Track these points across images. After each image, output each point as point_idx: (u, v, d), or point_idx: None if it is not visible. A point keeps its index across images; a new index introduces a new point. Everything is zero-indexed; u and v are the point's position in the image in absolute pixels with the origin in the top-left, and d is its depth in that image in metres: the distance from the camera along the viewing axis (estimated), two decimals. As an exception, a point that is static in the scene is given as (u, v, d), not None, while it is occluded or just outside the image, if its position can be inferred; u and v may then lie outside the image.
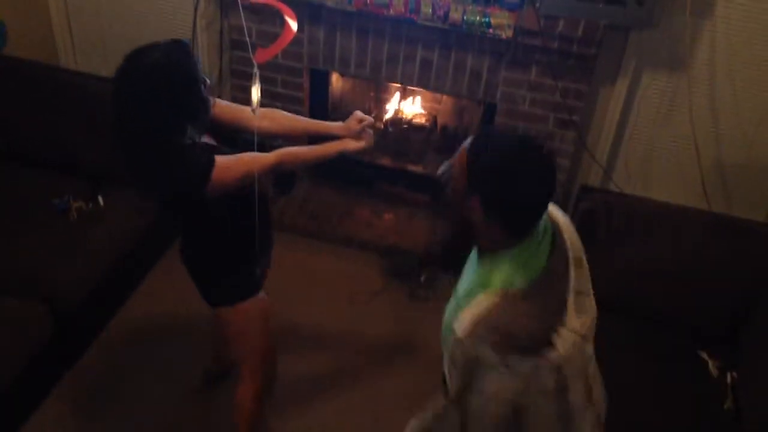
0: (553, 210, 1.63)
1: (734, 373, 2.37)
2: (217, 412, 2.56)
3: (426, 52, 3.01)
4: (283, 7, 2.53)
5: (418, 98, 3.63)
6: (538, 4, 2.67)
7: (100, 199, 2.82)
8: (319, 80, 3.38)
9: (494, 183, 1.40)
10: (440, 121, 3.65)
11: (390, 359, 2.85)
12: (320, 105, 3.46)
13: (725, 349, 2.46)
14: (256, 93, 2.46)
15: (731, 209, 3.07)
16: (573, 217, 2.67)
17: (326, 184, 3.64)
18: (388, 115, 3.64)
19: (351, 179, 3.63)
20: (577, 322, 1.46)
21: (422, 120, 3.63)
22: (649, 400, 2.29)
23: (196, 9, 3.25)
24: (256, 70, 2.49)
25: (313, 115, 3.42)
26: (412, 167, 3.60)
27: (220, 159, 1.79)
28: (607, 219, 2.57)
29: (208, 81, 1.85)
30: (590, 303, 1.53)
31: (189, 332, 2.88)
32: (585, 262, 1.58)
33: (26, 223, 2.66)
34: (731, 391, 2.33)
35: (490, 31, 2.77)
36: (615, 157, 3.17)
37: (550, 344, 1.41)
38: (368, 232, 3.40)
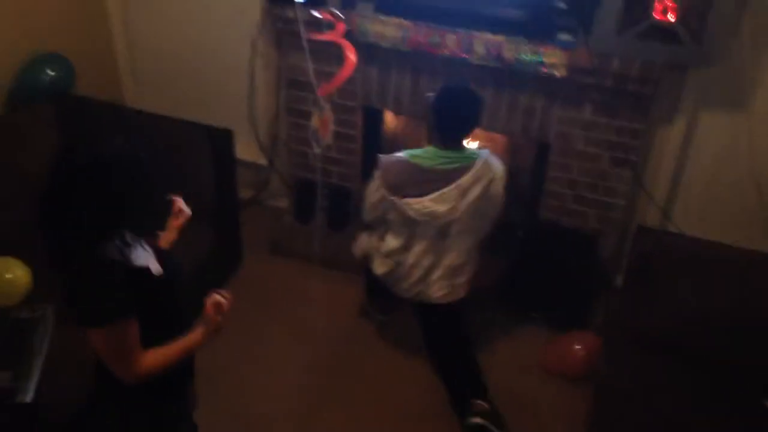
0: (495, 164, 2.65)
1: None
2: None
3: (479, 91, 3.02)
4: (345, 42, 2.62)
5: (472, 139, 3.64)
6: (592, 43, 2.65)
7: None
8: (373, 118, 3.41)
9: (436, 108, 2.60)
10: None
11: (443, 399, 2.81)
12: (373, 143, 3.49)
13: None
14: (320, 121, 2.61)
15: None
16: (631, 258, 2.63)
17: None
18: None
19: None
20: (430, 202, 2.57)
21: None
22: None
23: (254, 49, 3.35)
24: (323, 104, 2.64)
25: (366, 152, 3.46)
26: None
27: (122, 325, 1.62)
28: (666, 261, 2.51)
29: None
30: (443, 206, 2.58)
31: (243, 366, 2.91)
32: (472, 195, 2.59)
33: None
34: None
35: (544, 69, 2.76)
36: (674, 198, 3.10)
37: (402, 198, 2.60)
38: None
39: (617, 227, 3.13)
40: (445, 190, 2.57)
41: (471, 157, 2.61)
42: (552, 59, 2.73)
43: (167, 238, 2.06)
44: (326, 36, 2.73)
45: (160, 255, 1.83)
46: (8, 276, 2.49)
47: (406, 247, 2.71)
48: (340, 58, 2.70)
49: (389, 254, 2.75)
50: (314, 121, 2.77)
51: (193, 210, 2.98)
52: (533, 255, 3.16)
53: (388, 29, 2.90)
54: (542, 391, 2.87)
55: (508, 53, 2.77)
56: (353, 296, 3.25)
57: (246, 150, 3.59)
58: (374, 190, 2.70)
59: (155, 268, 1.74)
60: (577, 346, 2.92)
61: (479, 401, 2.64)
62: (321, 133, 2.80)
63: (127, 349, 1.66)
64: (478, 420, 2.59)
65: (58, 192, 1.60)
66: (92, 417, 1.89)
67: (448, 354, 2.87)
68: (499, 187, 2.65)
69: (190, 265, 2.92)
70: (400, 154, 2.65)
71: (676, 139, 2.96)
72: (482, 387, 2.71)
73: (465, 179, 2.57)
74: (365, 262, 2.92)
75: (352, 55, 2.63)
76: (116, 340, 1.64)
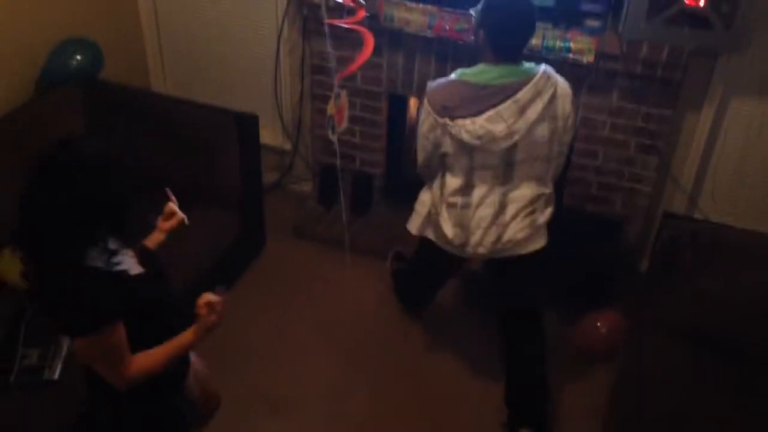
0: (558, 78, 2.33)
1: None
2: None
3: None
4: (362, 29, 2.61)
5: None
6: (620, 29, 2.63)
7: (185, 219, 2.91)
8: (398, 105, 3.41)
9: (485, 18, 2.30)
10: (518, 145, 3.62)
11: (469, 388, 2.83)
12: (398, 129, 3.50)
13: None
14: (335, 107, 2.57)
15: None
16: (655, 245, 2.62)
17: (401, 208, 3.65)
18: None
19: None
20: (485, 122, 2.26)
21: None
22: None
23: (279, 34, 3.36)
24: (337, 90, 2.61)
25: (391, 138, 3.47)
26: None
27: (108, 333, 1.60)
28: (693, 248, 2.49)
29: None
30: (500, 125, 2.27)
31: (267, 349, 2.95)
32: (534, 112, 2.28)
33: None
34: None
35: (571, 56, 2.75)
36: (701, 184, 3.08)
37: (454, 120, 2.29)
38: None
39: (643, 214, 3.12)
40: (500, 107, 2.25)
41: (529, 71, 2.30)
42: (579, 45, 2.71)
43: (155, 239, 2.02)
44: (345, 21, 2.73)
45: (145, 256, 1.82)
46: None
47: (468, 185, 2.39)
48: (362, 43, 2.70)
49: (453, 199, 2.41)
50: (330, 108, 2.76)
51: (218, 194, 3.03)
52: (557, 241, 3.15)
53: (414, 15, 2.90)
54: (564, 374, 2.86)
55: (535, 39, 2.75)
56: (376, 280, 3.27)
57: (270, 135, 3.61)
58: (423, 119, 2.38)
59: (138, 271, 1.72)
60: (599, 324, 2.94)
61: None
62: (337, 119, 2.79)
63: (116, 356, 1.65)
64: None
65: (35, 199, 1.55)
66: (88, 423, 1.88)
67: (529, 330, 2.59)
68: (566, 105, 2.34)
69: (214, 248, 2.98)
70: (450, 76, 2.36)
71: (704, 125, 2.93)
72: (542, 412, 2.60)
73: (523, 93, 2.25)
74: (423, 240, 2.63)
75: (369, 43, 2.62)
76: (104, 348, 1.63)
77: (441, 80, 2.37)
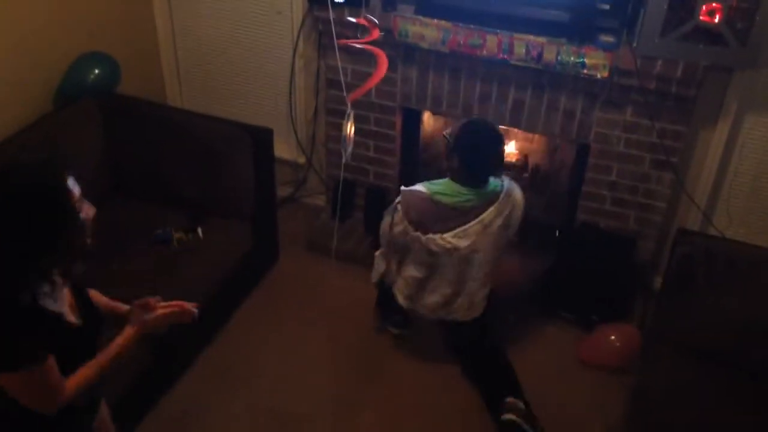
0: (515, 192, 2.68)
1: None
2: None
3: (518, 92, 3.02)
4: (376, 50, 2.61)
5: (510, 139, 3.63)
6: (635, 45, 2.63)
7: (200, 231, 2.94)
8: (412, 119, 3.43)
9: (459, 143, 2.61)
10: (531, 160, 3.62)
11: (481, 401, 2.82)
12: (412, 143, 3.51)
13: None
14: (350, 128, 2.56)
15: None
16: (670, 261, 2.61)
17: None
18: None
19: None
20: (453, 239, 2.59)
21: (513, 159, 3.62)
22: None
23: (295, 50, 3.39)
24: (349, 110, 2.59)
25: (404, 153, 3.48)
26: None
27: (38, 370, 1.53)
28: (708, 265, 2.48)
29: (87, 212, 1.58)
30: (465, 241, 2.60)
31: (279, 364, 2.95)
32: (494, 227, 2.62)
33: (131, 252, 2.80)
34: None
35: (585, 71, 2.75)
36: (715, 201, 3.06)
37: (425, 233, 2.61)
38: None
39: (657, 230, 3.11)
40: (466, 226, 2.59)
41: (493, 192, 2.63)
42: (594, 61, 2.71)
43: (111, 304, 1.88)
44: (359, 42, 2.74)
45: (82, 301, 1.74)
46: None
47: (427, 278, 2.73)
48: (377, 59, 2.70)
49: (409, 280, 2.76)
50: (344, 129, 2.75)
51: (231, 207, 3.04)
52: (570, 256, 3.15)
53: (429, 30, 2.91)
54: (578, 389, 2.85)
55: (549, 55, 2.76)
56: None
57: (284, 148, 3.63)
58: (396, 224, 2.68)
59: (70, 315, 1.64)
60: (613, 338, 2.94)
61: (513, 399, 2.64)
62: (348, 139, 2.78)
63: (47, 389, 1.57)
64: (511, 416, 2.59)
65: None
66: None
67: (480, 361, 2.89)
68: (518, 213, 2.68)
69: (227, 261, 2.99)
70: (421, 189, 2.64)
71: (718, 142, 2.92)
72: (516, 386, 2.71)
73: (487, 215, 2.60)
74: (382, 285, 2.93)
75: (382, 64, 2.62)
76: (33, 385, 1.55)
77: (415, 192, 2.64)
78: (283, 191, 3.70)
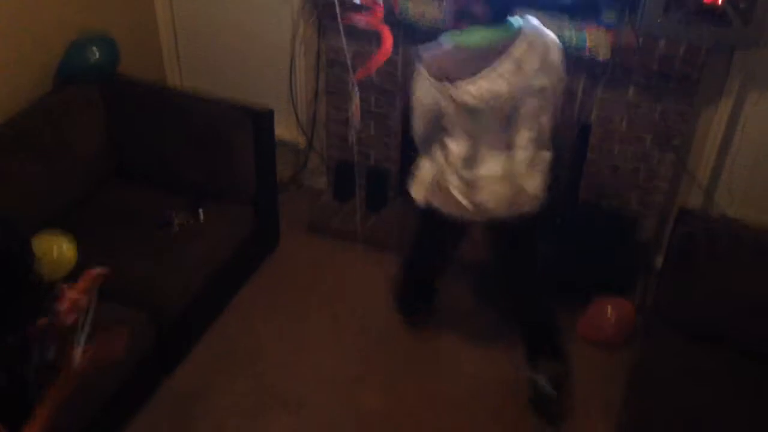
0: (545, 29, 2.34)
1: None
2: None
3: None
4: (382, 27, 2.59)
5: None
6: (637, 24, 2.61)
7: (201, 214, 2.94)
8: (412, 100, 3.41)
9: None
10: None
11: (484, 383, 2.83)
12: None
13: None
14: (356, 107, 2.54)
15: None
16: (672, 241, 2.61)
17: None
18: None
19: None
20: (486, 83, 2.21)
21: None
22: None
23: (294, 30, 3.37)
24: (356, 89, 2.58)
25: (406, 134, 3.47)
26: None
27: None
28: (709, 244, 2.48)
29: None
30: (509, 81, 2.23)
31: (280, 346, 2.96)
32: (528, 68, 2.26)
33: (133, 236, 2.80)
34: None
35: (586, 51, 2.73)
36: (717, 180, 3.06)
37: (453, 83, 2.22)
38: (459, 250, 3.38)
39: (658, 209, 3.11)
40: (496, 65, 2.21)
41: (518, 28, 2.27)
42: (595, 41, 2.70)
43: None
44: (363, 19, 2.72)
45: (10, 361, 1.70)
46: (55, 249, 2.56)
47: (473, 147, 2.35)
48: (379, 39, 2.69)
49: (459, 163, 2.36)
50: (352, 108, 2.74)
51: (232, 190, 3.04)
52: (571, 237, 3.15)
53: (429, 9, 2.89)
54: (578, 365, 2.83)
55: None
56: (391, 276, 3.28)
57: (285, 130, 3.62)
58: (419, 86, 2.33)
59: None
60: (608, 311, 2.96)
61: (555, 364, 2.64)
62: (354, 117, 2.78)
63: None
64: (544, 383, 2.61)
65: None
66: None
67: (532, 281, 2.69)
68: (556, 56, 2.33)
69: (229, 244, 3.00)
70: (441, 42, 2.30)
71: (720, 120, 2.91)
72: (560, 349, 2.69)
73: (517, 48, 2.22)
74: (427, 212, 2.54)
75: (388, 42, 2.60)
76: None
77: (433, 45, 2.31)
78: (284, 173, 3.69)
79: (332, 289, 3.24)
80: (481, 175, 2.38)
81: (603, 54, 2.72)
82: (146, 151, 3.10)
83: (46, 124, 2.83)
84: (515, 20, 2.29)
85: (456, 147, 2.35)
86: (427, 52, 2.30)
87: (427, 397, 2.78)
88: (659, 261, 3.11)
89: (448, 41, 2.28)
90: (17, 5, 2.83)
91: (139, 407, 2.65)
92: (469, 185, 2.39)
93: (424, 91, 2.31)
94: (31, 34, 2.91)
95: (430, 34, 2.99)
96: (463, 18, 2.28)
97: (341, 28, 2.56)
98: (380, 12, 2.69)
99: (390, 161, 3.50)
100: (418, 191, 2.54)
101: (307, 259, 3.39)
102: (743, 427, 2.24)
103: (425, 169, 2.50)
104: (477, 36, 2.24)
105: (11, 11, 2.82)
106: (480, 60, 2.22)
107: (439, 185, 2.45)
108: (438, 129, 2.38)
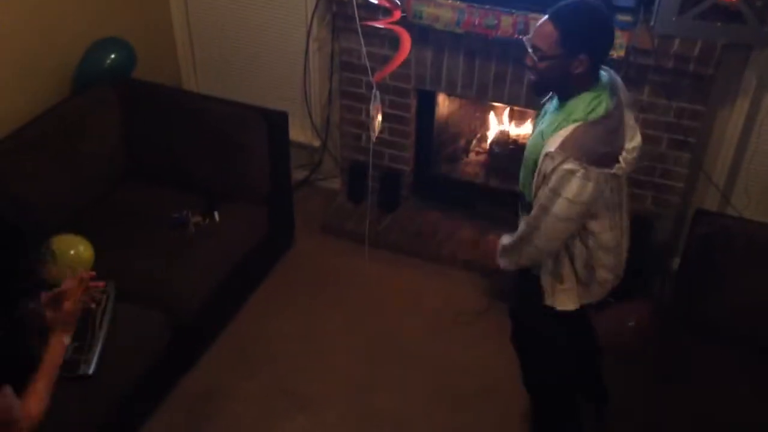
0: (611, 72, 2.08)
1: None
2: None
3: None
4: (401, 30, 2.59)
5: (526, 119, 3.60)
6: (652, 23, 2.60)
7: (216, 215, 2.95)
8: (427, 101, 3.41)
9: (592, 40, 1.93)
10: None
11: (495, 383, 2.83)
12: (426, 126, 3.50)
13: None
14: (377, 110, 2.53)
15: None
16: (689, 242, 2.59)
17: (430, 205, 3.65)
18: (493, 136, 3.64)
19: (454, 200, 3.62)
20: (630, 146, 1.98)
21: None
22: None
23: (309, 32, 3.38)
24: (375, 91, 2.59)
25: (419, 135, 3.47)
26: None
27: None
28: (726, 245, 2.46)
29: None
30: (637, 134, 2.03)
31: (294, 346, 2.97)
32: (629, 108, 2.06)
33: (148, 236, 2.82)
34: None
35: (602, 50, 2.72)
36: (734, 180, 3.03)
37: (616, 161, 1.94)
38: (473, 252, 3.38)
39: (675, 211, 3.08)
40: (626, 119, 2.01)
41: (610, 80, 2.04)
42: (610, 40, 2.68)
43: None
44: (382, 23, 2.73)
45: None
46: (72, 252, 2.58)
47: (614, 219, 2.09)
48: (392, 41, 2.70)
49: (607, 241, 2.10)
50: (372, 111, 2.75)
51: (247, 191, 3.05)
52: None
53: (443, 11, 2.89)
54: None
55: (565, 34, 2.73)
56: (404, 277, 3.28)
57: (299, 132, 3.64)
58: (576, 185, 1.89)
59: None
60: (628, 319, 2.91)
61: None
62: (374, 120, 2.78)
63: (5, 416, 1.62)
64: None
65: None
66: None
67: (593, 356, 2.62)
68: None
69: (243, 244, 3.01)
70: (571, 127, 1.91)
71: (737, 120, 2.89)
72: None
73: (623, 93, 2.04)
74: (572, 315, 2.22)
75: (406, 43, 2.61)
76: None
77: (572, 136, 1.90)
78: (298, 174, 3.71)
79: (346, 289, 3.24)
80: (625, 240, 2.21)
81: (618, 53, 2.70)
82: (161, 152, 3.12)
83: (63, 127, 2.86)
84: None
85: (599, 226, 2.06)
86: (574, 144, 1.89)
87: (439, 395, 2.78)
88: (676, 263, 3.09)
89: (577, 122, 1.92)
90: (35, 12, 2.87)
91: (155, 407, 2.66)
92: (616, 257, 2.18)
93: (579, 187, 1.90)
94: (49, 41, 2.95)
95: (444, 37, 3.01)
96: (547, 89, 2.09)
97: (359, 29, 2.56)
98: (398, 14, 2.70)
99: (404, 162, 3.50)
100: (570, 299, 2.19)
101: (322, 260, 3.40)
102: (763, 427, 2.22)
103: (568, 272, 2.14)
104: (603, 104, 1.94)
105: (29, 18, 2.86)
106: (616, 126, 1.97)
107: (588, 278, 2.16)
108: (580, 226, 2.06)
